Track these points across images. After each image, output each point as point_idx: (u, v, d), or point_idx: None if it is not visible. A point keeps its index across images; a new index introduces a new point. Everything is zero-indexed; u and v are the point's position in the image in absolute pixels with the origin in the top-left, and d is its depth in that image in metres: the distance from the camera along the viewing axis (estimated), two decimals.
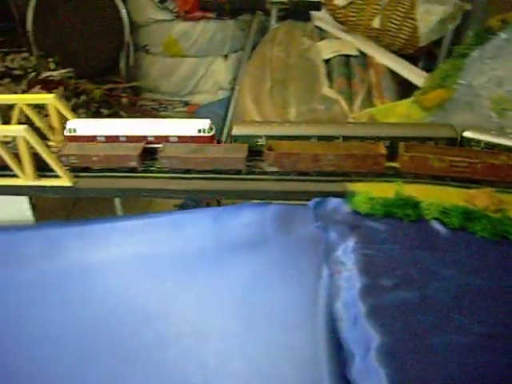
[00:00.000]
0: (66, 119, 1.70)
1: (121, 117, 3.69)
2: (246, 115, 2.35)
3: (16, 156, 1.56)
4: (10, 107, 1.77)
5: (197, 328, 1.50)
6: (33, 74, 3.44)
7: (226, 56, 4.06)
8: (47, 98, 1.71)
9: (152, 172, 1.57)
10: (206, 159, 1.52)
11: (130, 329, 1.55)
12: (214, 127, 1.63)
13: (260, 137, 1.59)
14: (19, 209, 1.90)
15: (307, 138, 1.57)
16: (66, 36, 3.87)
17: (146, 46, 4.07)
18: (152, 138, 1.62)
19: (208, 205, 2.98)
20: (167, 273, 1.60)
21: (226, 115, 3.61)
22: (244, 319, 1.46)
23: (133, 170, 1.57)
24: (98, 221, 1.72)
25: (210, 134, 1.62)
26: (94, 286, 1.64)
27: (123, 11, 3.90)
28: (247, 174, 1.53)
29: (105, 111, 3.68)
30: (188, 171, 1.56)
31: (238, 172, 1.53)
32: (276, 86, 2.50)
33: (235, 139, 1.61)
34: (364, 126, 1.77)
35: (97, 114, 3.51)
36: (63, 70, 3.64)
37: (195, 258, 1.58)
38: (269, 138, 1.58)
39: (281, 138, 1.56)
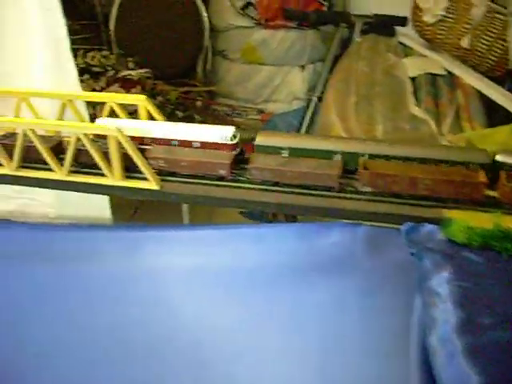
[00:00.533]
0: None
1: (194, 120, 3.70)
2: (330, 129, 2.30)
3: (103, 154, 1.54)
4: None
5: (273, 347, 1.45)
6: (112, 72, 3.48)
7: (303, 66, 4.01)
8: (138, 99, 1.70)
9: (241, 182, 1.53)
10: (297, 173, 1.47)
11: (198, 343, 1.52)
12: (238, 135, 1.59)
13: (283, 149, 1.55)
14: (99, 207, 1.89)
15: (396, 158, 1.50)
16: (147, 36, 3.90)
17: (223, 51, 4.06)
18: (176, 142, 1.60)
19: (274, 216, 2.93)
20: (245, 288, 1.56)
21: (300, 126, 3.56)
22: (325, 342, 1.40)
23: (221, 178, 1.53)
24: (177, 227, 1.69)
25: (232, 142, 1.59)
26: (163, 292, 1.63)
27: (204, 15, 3.90)
28: (339, 191, 1.46)
29: (179, 113, 3.69)
30: (276, 183, 1.51)
31: (330, 189, 1.47)
32: (361, 101, 2.43)
33: (258, 149, 1.57)
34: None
35: (172, 116, 3.52)
36: (141, 70, 3.68)
37: (277, 275, 1.53)
38: (292, 150, 1.55)
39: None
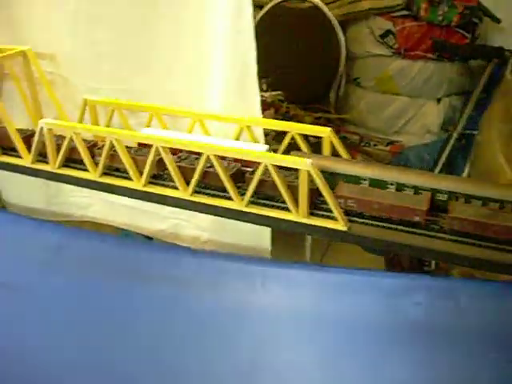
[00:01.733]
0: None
1: None
2: (497, 173, 2.14)
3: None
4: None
5: None
6: None
7: (438, 99, 3.83)
8: (323, 131, 1.62)
9: (436, 231, 1.40)
10: (504, 227, 1.33)
11: None
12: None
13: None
14: (259, 237, 1.81)
15: None
16: (283, 58, 3.84)
17: (357, 78, 3.95)
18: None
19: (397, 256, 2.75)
20: (367, 345, 1.46)
21: (436, 161, 3.39)
22: None
23: (415, 224, 1.41)
24: (294, 265, 1.66)
25: None
26: (270, 335, 1.59)
27: (342, 41, 3.81)
28: None
29: (311, 139, 3.59)
30: (476, 236, 1.37)
31: None
32: None
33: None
34: None
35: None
36: (274, 93, 3.61)
37: (407, 336, 1.40)
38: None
39: None
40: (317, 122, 3.75)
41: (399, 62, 3.84)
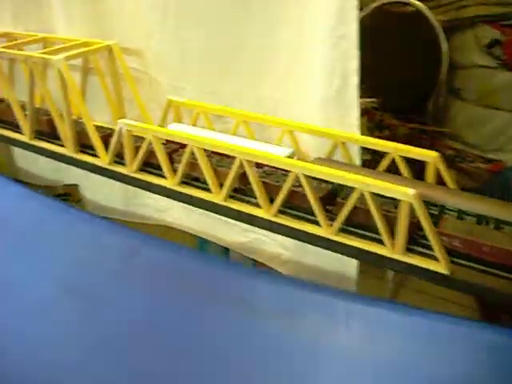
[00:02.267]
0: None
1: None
2: None
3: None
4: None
5: None
6: None
7: None
8: (430, 156, 1.42)
9: None
10: None
11: None
12: (294, 155, 1.51)
13: None
14: (345, 262, 1.64)
15: None
16: (380, 64, 3.61)
17: (458, 89, 3.67)
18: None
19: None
20: None
21: None
22: None
23: None
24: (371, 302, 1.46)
25: None
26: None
27: (445, 50, 3.55)
28: None
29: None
30: None
31: None
32: None
33: None
34: None
35: None
36: (369, 99, 3.40)
37: None
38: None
39: None
40: (411, 133, 3.53)
41: (505, 74, 3.54)
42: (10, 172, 2.87)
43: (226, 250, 2.25)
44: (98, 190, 2.42)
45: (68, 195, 3.23)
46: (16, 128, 2.11)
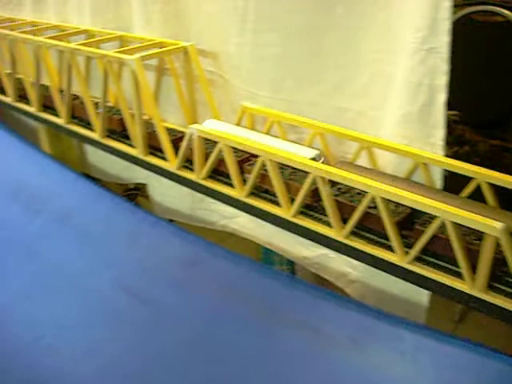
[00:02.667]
0: None
1: None
2: None
3: None
4: None
5: None
6: None
7: None
8: None
9: None
10: None
11: None
12: (320, 159, 1.49)
13: None
14: (416, 291, 1.53)
15: None
16: (463, 75, 3.44)
17: None
18: None
19: None
20: None
21: None
22: None
23: None
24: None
25: None
26: None
27: None
28: None
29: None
30: None
31: None
32: None
33: None
34: None
35: None
36: (450, 112, 3.23)
37: None
38: None
39: None
40: (492, 149, 3.36)
41: None
42: (81, 167, 2.89)
43: (290, 263, 2.17)
44: (166, 192, 2.40)
45: (137, 190, 3.25)
46: (88, 125, 2.10)
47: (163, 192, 2.43)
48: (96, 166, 2.87)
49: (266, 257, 2.28)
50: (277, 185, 1.45)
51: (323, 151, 1.61)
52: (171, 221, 2.37)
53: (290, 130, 1.75)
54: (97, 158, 2.76)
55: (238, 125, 1.81)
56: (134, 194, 3.34)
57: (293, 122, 1.69)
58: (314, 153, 1.52)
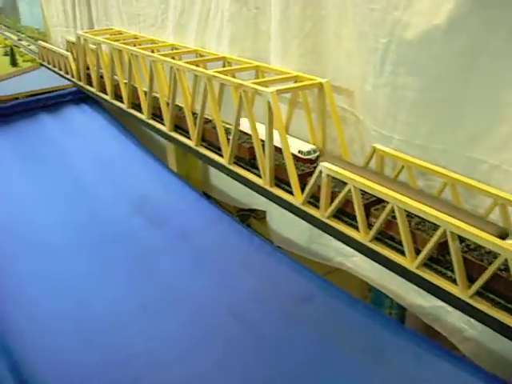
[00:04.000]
0: None
1: None
2: None
3: None
4: None
5: None
6: None
7: None
8: None
9: None
10: None
11: None
12: (315, 152, 1.76)
13: None
14: None
15: None
16: None
17: None
18: None
19: None
20: None
21: None
22: None
23: None
24: None
25: (306, 157, 1.89)
26: None
27: None
28: None
29: None
30: None
31: None
32: None
33: None
34: None
35: None
36: None
37: None
38: None
39: None
40: None
41: None
42: (203, 187, 2.98)
43: (401, 308, 2.12)
44: (285, 222, 2.42)
45: (251, 211, 3.29)
46: (217, 150, 2.16)
47: (282, 221, 2.45)
48: (218, 187, 2.94)
49: (376, 298, 2.25)
50: (404, 234, 1.42)
51: (452, 201, 1.56)
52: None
53: (421, 177, 1.71)
54: (219, 180, 2.83)
55: (366, 165, 1.78)
56: (247, 215, 3.39)
57: (425, 170, 1.66)
58: (309, 147, 1.75)
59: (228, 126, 2.08)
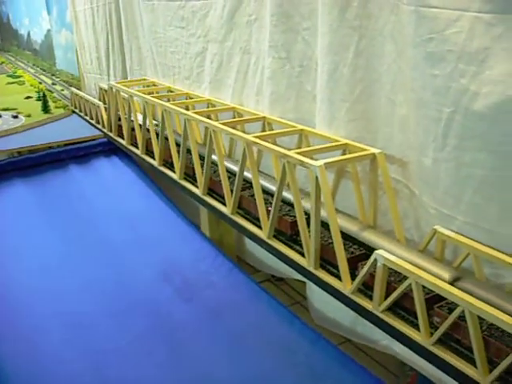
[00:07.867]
0: None
1: None
2: None
3: None
4: None
5: None
6: None
7: None
8: None
9: None
10: None
11: None
12: None
13: None
14: None
15: None
16: None
17: None
18: None
19: None
20: None
21: None
22: None
23: None
24: None
25: None
26: None
27: None
28: None
29: None
30: None
31: None
32: None
33: None
34: None
35: None
36: None
37: None
38: None
39: None
40: None
41: None
42: (237, 252, 2.79)
43: None
44: (328, 301, 2.19)
45: (279, 280, 3.06)
46: (255, 220, 1.98)
47: (324, 300, 2.23)
48: (252, 254, 2.76)
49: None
50: (476, 342, 1.21)
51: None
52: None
53: (487, 264, 1.50)
54: (254, 246, 2.63)
55: (425, 248, 1.57)
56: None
57: (493, 259, 1.44)
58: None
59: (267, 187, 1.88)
